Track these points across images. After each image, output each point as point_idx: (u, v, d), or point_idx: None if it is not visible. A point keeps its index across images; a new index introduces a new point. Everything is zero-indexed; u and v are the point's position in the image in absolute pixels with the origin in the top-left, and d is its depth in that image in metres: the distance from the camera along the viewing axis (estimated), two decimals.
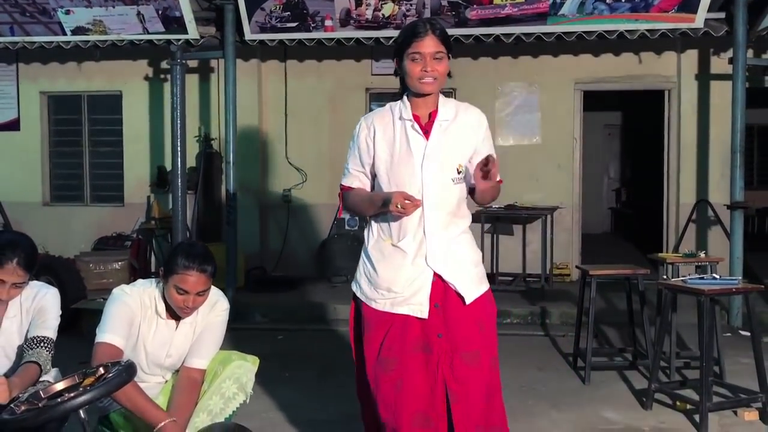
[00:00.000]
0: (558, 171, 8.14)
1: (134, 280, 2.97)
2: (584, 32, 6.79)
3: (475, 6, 6.58)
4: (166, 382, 2.95)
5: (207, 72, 8.46)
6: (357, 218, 8.22)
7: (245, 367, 2.88)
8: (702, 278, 4.22)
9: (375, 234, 2.69)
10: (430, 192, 2.57)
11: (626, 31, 6.76)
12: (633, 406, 4.32)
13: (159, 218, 8.08)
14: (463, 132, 2.65)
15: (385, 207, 2.52)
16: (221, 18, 7.00)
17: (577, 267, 6.26)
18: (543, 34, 6.81)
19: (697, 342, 4.55)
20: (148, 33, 7.09)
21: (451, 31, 6.79)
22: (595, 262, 6.76)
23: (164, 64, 8.36)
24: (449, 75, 2.63)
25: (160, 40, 7.18)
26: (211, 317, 2.89)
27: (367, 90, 8.50)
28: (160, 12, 6.87)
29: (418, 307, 2.57)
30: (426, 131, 2.62)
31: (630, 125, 13.50)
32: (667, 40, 7.14)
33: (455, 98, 8.83)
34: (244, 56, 7.98)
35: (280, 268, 8.34)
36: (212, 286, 2.98)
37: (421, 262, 2.59)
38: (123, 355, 2.68)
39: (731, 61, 6.53)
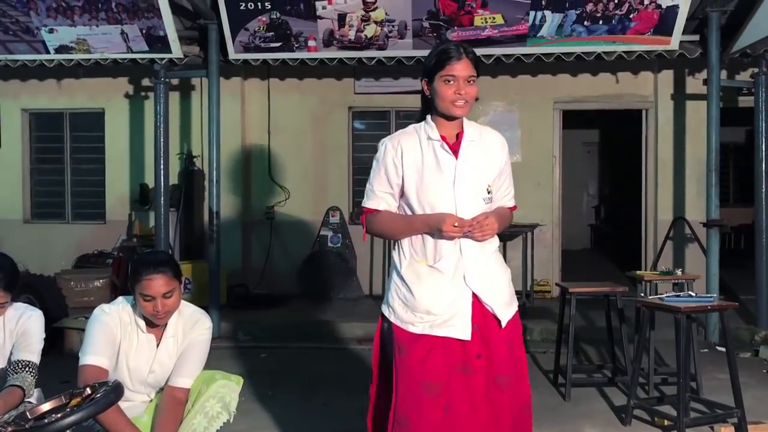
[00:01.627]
0: (538, 188, 8.25)
1: (115, 298, 2.99)
2: (563, 53, 6.92)
3: (456, 28, 6.69)
4: (151, 401, 2.97)
5: (188, 90, 8.50)
6: (340, 236, 8.28)
7: (229, 386, 2.90)
8: (678, 296, 4.31)
9: (407, 255, 2.63)
10: (464, 211, 2.55)
11: (604, 52, 6.89)
12: (612, 423, 4.38)
13: (141, 236, 8.08)
14: (489, 153, 2.66)
15: (430, 229, 2.52)
16: (205, 37, 7.04)
17: (557, 284, 6.34)
18: (522, 55, 6.93)
19: (674, 358, 4.63)
20: (132, 52, 7.11)
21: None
22: (576, 278, 6.84)
23: (146, 82, 8.39)
24: (476, 99, 2.65)
25: (143, 58, 7.21)
26: (194, 335, 2.91)
27: (350, 108, 8.57)
28: (144, 31, 6.90)
29: (461, 329, 2.54)
30: (454, 151, 2.61)
31: (608, 143, 13.70)
32: (644, 61, 7.30)
33: None
34: (226, 74, 8.01)
35: (263, 286, 8.35)
36: (195, 306, 3.02)
37: (459, 282, 2.56)
38: (108, 376, 2.70)
39: (705, 82, 6.68)
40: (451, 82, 2.54)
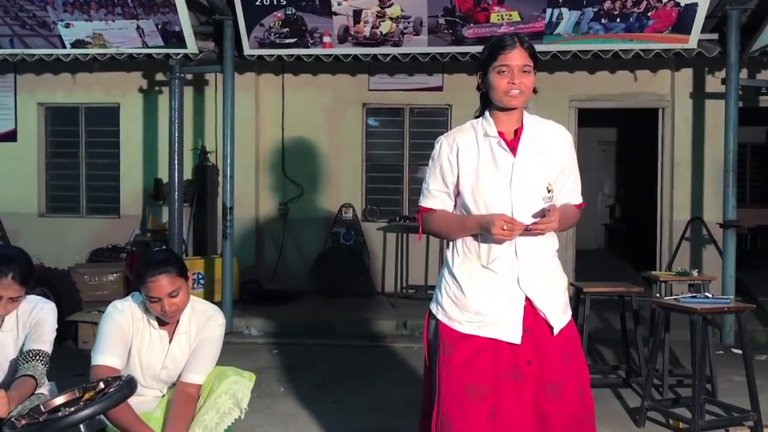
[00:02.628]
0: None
1: (129, 292, 2.99)
2: (579, 51, 6.87)
3: (472, 25, 6.65)
4: (164, 396, 2.97)
5: (202, 85, 8.51)
6: (352, 233, 8.27)
7: (241, 382, 2.89)
8: (695, 297, 4.26)
9: (461, 254, 2.54)
10: (521, 212, 2.44)
11: (620, 50, 6.83)
12: (626, 424, 4.34)
13: (154, 230, 8.10)
14: (550, 149, 2.53)
15: (481, 230, 2.43)
16: (220, 33, 7.05)
17: (571, 284, 6.28)
18: (539, 52, 6.86)
19: (690, 359, 4.58)
20: (147, 47, 7.14)
21: (447, 49, 6.94)
22: (590, 278, 6.79)
23: (161, 77, 8.41)
24: (535, 90, 2.52)
25: (158, 53, 7.23)
26: (206, 332, 2.91)
27: (364, 105, 8.55)
28: (159, 26, 6.92)
29: (511, 331, 2.44)
30: (512, 148, 2.49)
31: (625, 142, 13.60)
32: (662, 59, 7.23)
33: (450, 115, 8.88)
34: (240, 69, 8.03)
35: (276, 282, 8.36)
36: (208, 302, 3.01)
37: (513, 284, 2.47)
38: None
39: (724, 81, 6.60)
40: (505, 72, 2.44)
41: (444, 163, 2.54)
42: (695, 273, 5.30)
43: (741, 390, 4.38)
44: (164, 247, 7.35)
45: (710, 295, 4.34)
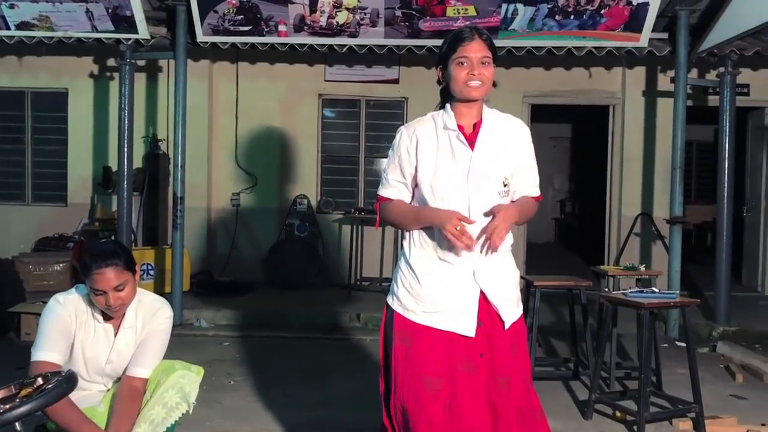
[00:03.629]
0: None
1: (76, 282, 2.89)
2: (534, 47, 6.93)
3: (428, 18, 6.65)
4: (108, 390, 2.90)
5: (155, 71, 8.33)
6: (307, 224, 8.22)
7: (189, 376, 2.84)
8: (642, 292, 4.34)
9: (418, 245, 2.56)
10: (477, 205, 2.48)
11: (574, 47, 6.92)
12: (574, 417, 4.41)
13: (103, 219, 7.93)
14: (508, 143, 2.56)
15: (434, 226, 2.45)
16: (173, 18, 6.89)
17: (522, 277, 6.35)
18: None
19: (637, 352, 4.68)
20: (97, 31, 6.93)
21: (404, 42, 6.92)
22: (540, 272, 6.88)
23: (112, 62, 8.20)
24: (494, 84, 2.55)
25: (108, 38, 7.03)
26: (153, 324, 2.84)
27: (320, 96, 8.50)
28: (109, 10, 6.73)
29: (465, 324, 2.47)
30: (471, 142, 2.52)
31: (578, 138, 13.81)
32: (615, 57, 7.34)
33: (406, 108, 8.88)
34: (194, 57, 7.89)
35: (227, 273, 8.26)
36: (155, 294, 2.95)
37: (468, 277, 2.50)
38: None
39: (673, 80, 6.74)
40: (465, 64, 2.47)
41: (403, 154, 2.56)
42: (642, 268, 5.40)
43: (684, 382, 4.50)
44: (112, 237, 7.22)
45: (657, 290, 4.43)
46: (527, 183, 2.62)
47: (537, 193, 2.66)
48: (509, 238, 2.58)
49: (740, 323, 6.60)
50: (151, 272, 7.42)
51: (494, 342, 2.51)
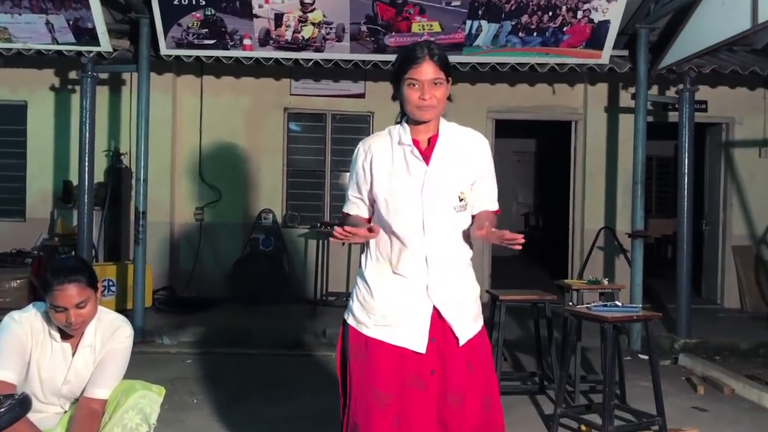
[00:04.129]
0: None
1: (34, 299, 2.81)
2: (498, 63, 7.00)
3: (393, 33, 6.68)
4: (65, 412, 2.82)
5: (118, 84, 8.23)
6: (272, 239, 8.15)
7: (149, 396, 2.77)
8: (606, 305, 4.39)
9: (374, 258, 2.53)
10: (432, 220, 2.44)
11: (537, 64, 7.01)
12: (540, 431, 4.42)
13: (63, 235, 7.76)
14: (465, 157, 2.52)
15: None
16: (136, 31, 6.82)
17: (487, 291, 6.39)
18: (459, 63, 6.98)
19: (601, 365, 4.72)
20: (58, 43, 6.82)
21: (369, 57, 6.94)
22: (506, 285, 6.92)
23: (73, 75, 8.08)
24: (449, 99, 2.50)
25: (69, 51, 6.93)
26: (113, 343, 2.77)
27: (286, 109, 8.47)
28: (71, 22, 6.63)
29: (416, 340, 2.43)
30: (426, 156, 2.48)
31: (542, 152, 13.99)
32: (577, 73, 7.46)
33: (372, 122, 8.91)
34: (158, 70, 7.81)
35: (191, 289, 8.14)
36: (114, 312, 2.88)
37: (421, 292, 2.45)
38: (16, 390, 2.54)
39: (634, 96, 6.87)
40: (416, 86, 2.43)
41: (359, 170, 2.55)
42: (606, 281, 5.47)
43: (647, 395, 4.55)
44: (73, 252, 7.07)
45: (620, 304, 4.48)
46: (486, 196, 2.59)
47: (496, 206, 2.63)
48: (468, 252, 2.57)
49: (701, 335, 6.71)
50: (113, 288, 7.28)
51: (447, 359, 2.45)
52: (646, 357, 5.81)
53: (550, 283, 8.07)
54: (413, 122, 2.51)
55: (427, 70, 2.41)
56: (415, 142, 2.50)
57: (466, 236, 2.54)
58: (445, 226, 2.46)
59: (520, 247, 2.38)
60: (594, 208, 8.37)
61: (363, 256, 2.59)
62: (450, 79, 2.49)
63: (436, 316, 2.46)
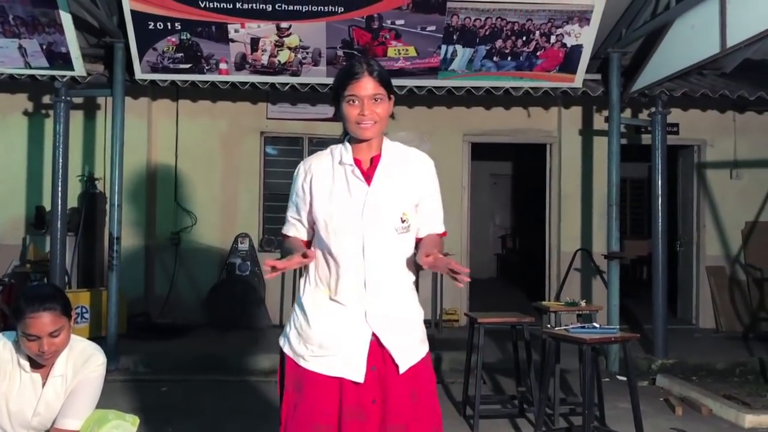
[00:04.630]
0: (447, 218, 8.31)
1: (5, 327, 2.74)
2: (473, 87, 7.07)
3: (369, 58, 6.71)
4: None
5: (93, 109, 8.16)
6: (249, 263, 8.08)
7: (123, 426, 2.72)
8: (584, 327, 4.40)
9: (312, 283, 2.43)
10: (372, 243, 2.34)
11: (512, 87, 7.09)
12: None
13: (35, 261, 7.62)
14: (408, 178, 2.43)
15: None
16: (110, 56, 6.78)
17: (465, 314, 6.38)
18: (434, 87, 7.04)
19: (580, 387, 4.71)
20: (30, 68, 6.76)
21: None
22: (483, 307, 6.92)
23: (47, 99, 8.00)
24: (392, 117, 2.43)
25: (42, 75, 6.86)
26: (85, 372, 2.71)
27: (262, 133, 8.45)
28: (44, 47, 6.58)
29: (354, 369, 2.33)
30: (368, 177, 2.39)
31: (518, 175, 14.09)
32: (551, 97, 7.54)
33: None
34: (133, 94, 7.76)
35: (166, 315, 8.03)
36: (87, 340, 2.82)
37: (360, 319, 2.35)
38: None
39: (608, 119, 6.96)
40: (355, 102, 2.34)
41: (298, 190, 2.48)
42: (583, 303, 5.49)
43: (627, 416, 4.55)
44: (45, 279, 6.95)
45: (598, 325, 4.50)
46: (431, 218, 2.51)
47: (442, 229, 2.55)
48: (410, 276, 2.47)
49: (677, 356, 6.75)
50: (86, 315, 7.16)
51: (388, 387, 2.35)
52: (624, 378, 5.83)
53: (527, 305, 8.09)
54: (355, 141, 2.43)
55: (366, 86, 2.34)
56: (357, 162, 2.42)
57: (410, 260, 2.44)
58: (385, 249, 2.37)
59: (462, 285, 2.30)
60: (570, 229, 8.42)
61: (301, 281, 2.50)
62: (392, 97, 2.42)
63: (376, 343, 2.36)
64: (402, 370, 2.37)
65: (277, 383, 2.53)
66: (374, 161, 2.43)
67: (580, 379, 4.34)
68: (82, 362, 2.71)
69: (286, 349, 2.45)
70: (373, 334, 2.36)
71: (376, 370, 2.35)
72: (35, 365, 2.66)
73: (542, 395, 4.48)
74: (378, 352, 2.36)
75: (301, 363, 2.38)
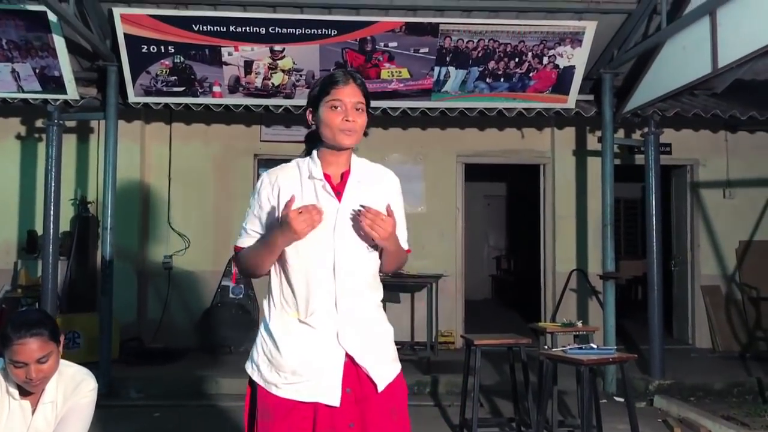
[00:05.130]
0: (442, 239, 8.33)
1: None
2: (466, 108, 7.09)
3: (352, 69, 6.73)
4: None
5: (86, 132, 8.14)
6: (242, 286, 8.03)
7: None
8: (581, 348, 4.36)
9: (278, 306, 2.33)
10: (344, 261, 2.27)
11: (505, 108, 7.11)
12: None
13: (26, 286, 7.55)
14: (377, 194, 2.37)
15: (285, 236, 2.18)
16: (103, 79, 6.78)
17: (462, 336, 6.34)
18: (427, 109, 7.06)
19: (578, 409, 4.66)
20: (23, 91, 6.76)
21: None
22: (479, 329, 6.89)
23: (40, 123, 7.98)
24: (365, 134, 2.38)
25: (35, 99, 6.86)
26: (76, 398, 2.65)
27: (256, 156, 8.44)
28: (37, 71, 6.58)
29: (329, 393, 2.24)
30: (338, 192, 2.31)
31: (513, 196, 14.11)
32: (544, 117, 7.58)
33: None
34: (127, 118, 7.76)
35: (159, 339, 7.95)
36: (77, 365, 2.77)
37: (332, 340, 2.26)
38: None
39: (601, 139, 6.98)
40: (338, 108, 2.29)
41: (263, 203, 2.35)
42: (580, 324, 5.46)
43: None
44: (37, 304, 6.87)
45: (595, 346, 4.46)
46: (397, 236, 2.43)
47: (406, 246, 2.48)
48: (379, 294, 2.42)
49: (674, 376, 6.71)
50: (78, 340, 7.08)
51: (366, 408, 2.28)
52: (622, 399, 5.79)
53: (523, 326, 8.07)
54: (325, 154, 2.36)
55: (350, 92, 2.31)
56: (326, 177, 2.34)
57: (376, 276, 2.40)
58: (356, 266, 2.31)
59: (378, 234, 2.22)
60: (565, 250, 8.41)
61: (266, 303, 2.38)
62: (369, 111, 2.39)
63: (350, 363, 2.28)
64: (381, 388, 2.30)
65: (244, 413, 2.43)
66: (344, 177, 2.37)
67: (578, 401, 4.30)
68: (73, 388, 2.66)
69: (256, 377, 2.34)
70: (347, 355, 2.28)
71: (351, 392, 2.26)
72: (24, 392, 2.61)
73: (540, 417, 4.43)
74: (352, 373, 2.28)
75: (273, 390, 2.29)
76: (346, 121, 2.29)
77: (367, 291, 2.36)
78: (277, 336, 2.30)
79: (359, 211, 2.25)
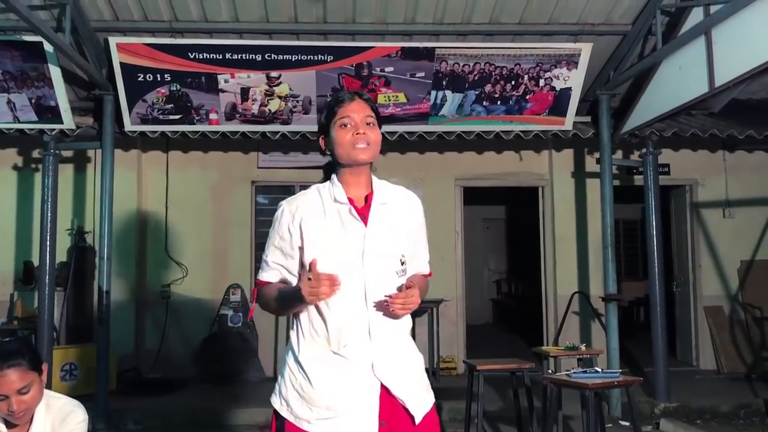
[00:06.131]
0: (442, 264, 8.26)
1: None
2: (463, 132, 7.08)
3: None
4: None
5: (83, 161, 8.12)
6: (241, 315, 7.95)
7: None
8: (585, 372, 4.29)
9: (307, 336, 2.23)
10: (374, 288, 2.19)
11: (502, 131, 7.10)
12: None
13: (22, 318, 7.46)
14: (402, 217, 2.31)
15: (299, 298, 2.09)
16: (100, 108, 6.77)
17: (464, 362, 6.26)
18: (425, 132, 7.04)
19: None
20: (19, 122, 6.74)
21: None
22: (480, 354, 6.80)
23: (36, 154, 7.96)
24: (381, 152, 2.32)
25: (31, 129, 6.84)
26: (65, 431, 2.59)
27: (253, 182, 8.41)
28: (33, 101, 6.57)
29: (365, 427, 2.14)
30: (363, 216, 2.24)
31: (512, 219, 14.07)
32: (542, 140, 7.57)
33: None
34: (123, 146, 7.74)
35: (157, 370, 7.85)
36: (66, 397, 2.69)
37: (367, 372, 2.17)
38: None
39: (599, 161, 6.96)
40: (348, 125, 2.25)
41: (284, 233, 2.27)
42: (583, 347, 5.39)
43: None
44: (33, 335, 6.78)
45: (600, 370, 4.39)
46: (419, 259, 2.42)
47: (428, 270, 2.47)
48: (409, 322, 2.34)
49: (680, 399, 6.61)
50: (75, 372, 6.98)
51: None
52: (628, 423, 5.70)
53: (525, 350, 7.98)
54: (346, 177, 2.30)
55: (358, 108, 2.28)
56: (350, 201, 2.27)
57: None
58: (388, 294, 2.20)
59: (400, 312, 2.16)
60: (565, 272, 8.35)
61: (293, 334, 2.29)
62: (380, 126, 2.34)
63: (385, 394, 2.20)
64: (418, 419, 2.22)
65: None
66: (368, 199, 2.31)
67: (584, 426, 4.21)
68: (61, 420, 2.59)
69: (285, 413, 2.23)
70: (382, 386, 2.20)
71: (386, 425, 2.18)
72: (11, 425, 2.54)
73: None
74: (387, 405, 2.20)
75: (305, 427, 2.18)
76: (358, 134, 2.25)
77: (398, 318, 2.27)
78: (308, 369, 2.20)
79: (386, 301, 2.17)
